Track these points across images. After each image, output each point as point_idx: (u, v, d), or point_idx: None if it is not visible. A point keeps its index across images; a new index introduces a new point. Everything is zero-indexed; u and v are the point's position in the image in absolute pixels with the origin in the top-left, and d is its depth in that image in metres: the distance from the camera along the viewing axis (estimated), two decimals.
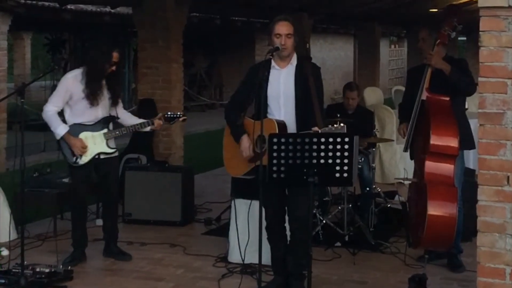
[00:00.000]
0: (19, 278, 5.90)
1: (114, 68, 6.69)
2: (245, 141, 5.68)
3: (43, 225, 7.96)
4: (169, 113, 7.01)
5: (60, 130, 6.62)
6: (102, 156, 6.78)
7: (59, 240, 7.58)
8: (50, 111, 6.63)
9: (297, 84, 5.67)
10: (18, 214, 6.47)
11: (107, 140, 6.75)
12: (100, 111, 6.72)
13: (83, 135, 6.66)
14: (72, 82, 6.63)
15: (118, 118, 6.88)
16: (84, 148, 6.63)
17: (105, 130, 6.75)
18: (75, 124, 6.66)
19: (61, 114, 6.73)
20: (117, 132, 6.78)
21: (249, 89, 5.62)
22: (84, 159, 6.69)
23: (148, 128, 6.91)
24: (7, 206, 7.60)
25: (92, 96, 6.59)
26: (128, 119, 6.96)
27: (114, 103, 6.80)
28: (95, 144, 6.71)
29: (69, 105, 6.67)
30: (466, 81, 6.28)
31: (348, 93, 8.38)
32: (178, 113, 7.01)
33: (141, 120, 6.90)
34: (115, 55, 6.67)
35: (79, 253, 6.84)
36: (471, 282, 5.69)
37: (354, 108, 8.35)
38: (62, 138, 6.64)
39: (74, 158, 6.67)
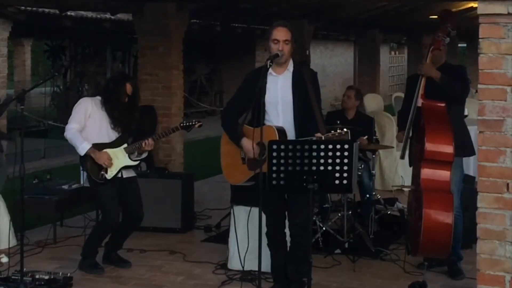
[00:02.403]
0: (19, 285, 5.89)
1: (126, 99, 6.78)
2: (247, 142, 5.64)
3: (42, 232, 7.96)
4: (185, 122, 7.01)
5: (84, 145, 6.64)
6: (125, 175, 6.81)
7: (58, 247, 7.59)
8: (73, 128, 6.67)
9: (295, 90, 5.67)
10: (18, 221, 6.46)
11: (128, 154, 6.79)
12: (113, 135, 6.79)
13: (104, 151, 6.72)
14: (90, 104, 6.76)
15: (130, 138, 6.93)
16: (110, 160, 6.66)
17: (125, 145, 6.79)
18: (94, 144, 6.69)
19: None
20: (137, 145, 6.78)
21: (246, 96, 5.61)
22: (110, 174, 6.71)
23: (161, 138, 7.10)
24: (7, 213, 7.60)
25: (117, 123, 6.73)
26: None
27: (124, 132, 6.85)
28: (118, 159, 6.75)
29: (86, 126, 6.73)
30: (457, 88, 6.25)
31: (346, 91, 8.48)
32: (194, 121, 6.97)
33: (157, 132, 7.06)
34: (129, 87, 6.78)
35: (95, 261, 6.84)
36: None
37: (350, 107, 8.38)
38: (85, 155, 6.65)
39: (100, 174, 6.68)
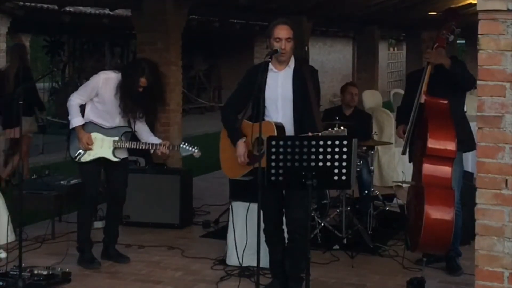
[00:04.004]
0: (17, 281, 5.89)
1: (140, 89, 6.68)
2: (241, 147, 5.68)
3: (41, 228, 7.95)
4: (186, 144, 6.75)
5: (75, 121, 6.70)
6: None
7: (57, 243, 7.59)
8: (74, 101, 6.73)
9: (295, 87, 5.68)
10: (17, 216, 6.47)
11: (114, 148, 6.76)
12: (118, 119, 6.76)
13: (93, 135, 6.72)
14: (102, 82, 6.70)
15: (134, 131, 6.87)
16: (89, 145, 6.67)
17: (116, 138, 6.75)
18: (91, 122, 6.73)
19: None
20: (127, 144, 6.76)
21: (246, 92, 5.62)
22: (86, 157, 6.72)
23: (152, 151, 6.88)
24: (6, 208, 7.60)
25: (125, 109, 6.66)
26: (144, 135, 6.87)
27: (133, 117, 6.77)
28: (101, 148, 6.74)
29: (93, 101, 6.75)
30: (466, 75, 6.27)
31: (351, 88, 8.49)
32: (194, 149, 6.70)
33: (152, 142, 6.76)
34: (143, 81, 6.67)
35: (91, 255, 6.86)
36: (469, 285, 5.68)
37: (356, 104, 8.40)
38: (74, 129, 6.71)
39: (77, 153, 6.71)
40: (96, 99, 6.72)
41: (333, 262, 6.96)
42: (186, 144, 6.77)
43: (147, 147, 6.76)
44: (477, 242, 4.10)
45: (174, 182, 8.34)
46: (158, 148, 6.69)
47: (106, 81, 6.70)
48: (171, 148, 6.70)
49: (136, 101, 6.66)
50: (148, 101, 6.76)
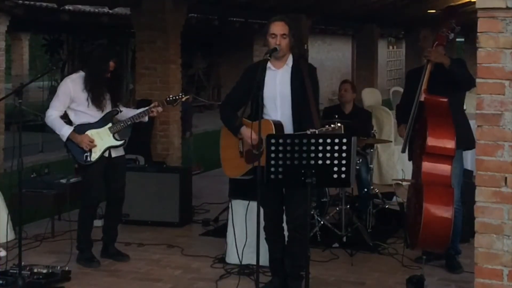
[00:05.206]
0: (17, 279, 5.88)
1: (109, 75, 6.75)
2: (246, 129, 5.63)
3: (41, 226, 7.96)
4: (171, 96, 6.95)
5: (64, 131, 6.69)
6: (113, 155, 6.82)
7: (56, 241, 7.59)
8: (51, 115, 6.73)
9: (293, 85, 5.67)
10: (16, 215, 6.47)
11: (113, 134, 6.78)
12: (96, 112, 6.76)
13: (88, 133, 6.71)
14: (71, 86, 6.72)
15: (120, 111, 6.90)
16: (91, 142, 6.67)
17: (110, 125, 6.78)
18: (78, 125, 6.73)
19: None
20: (122, 124, 6.79)
21: (245, 90, 5.62)
22: (94, 156, 6.72)
23: (146, 118, 6.92)
24: (5, 207, 7.59)
25: (97, 101, 6.69)
26: (128, 113, 6.96)
27: (114, 105, 6.85)
28: (102, 140, 6.74)
29: (71, 108, 6.75)
30: (465, 74, 6.28)
31: (343, 86, 8.52)
32: (180, 94, 6.98)
33: (142, 110, 6.88)
34: (112, 65, 6.75)
35: (91, 254, 6.86)
36: (468, 283, 5.69)
37: (348, 101, 8.41)
38: (68, 139, 6.69)
39: (85, 157, 6.71)
40: (74, 105, 6.72)
41: (333, 260, 6.96)
42: (171, 96, 6.95)
43: (140, 116, 6.83)
44: (477, 240, 4.10)
45: (174, 181, 8.33)
46: (150, 111, 6.79)
47: (73, 83, 6.73)
48: (161, 105, 6.82)
49: (105, 86, 6.72)
50: (116, 83, 6.89)
